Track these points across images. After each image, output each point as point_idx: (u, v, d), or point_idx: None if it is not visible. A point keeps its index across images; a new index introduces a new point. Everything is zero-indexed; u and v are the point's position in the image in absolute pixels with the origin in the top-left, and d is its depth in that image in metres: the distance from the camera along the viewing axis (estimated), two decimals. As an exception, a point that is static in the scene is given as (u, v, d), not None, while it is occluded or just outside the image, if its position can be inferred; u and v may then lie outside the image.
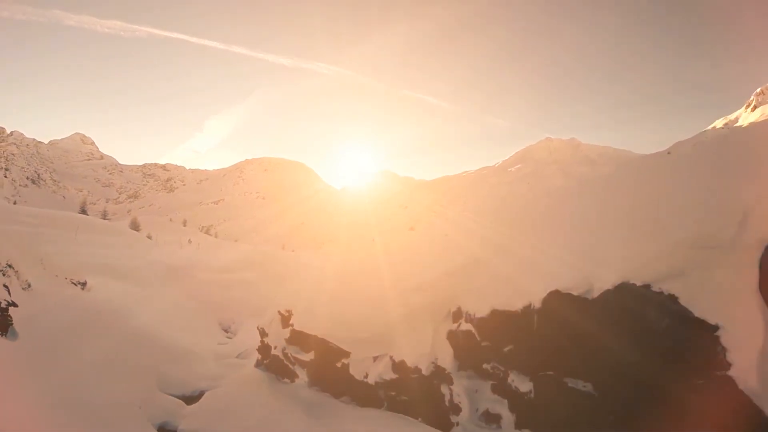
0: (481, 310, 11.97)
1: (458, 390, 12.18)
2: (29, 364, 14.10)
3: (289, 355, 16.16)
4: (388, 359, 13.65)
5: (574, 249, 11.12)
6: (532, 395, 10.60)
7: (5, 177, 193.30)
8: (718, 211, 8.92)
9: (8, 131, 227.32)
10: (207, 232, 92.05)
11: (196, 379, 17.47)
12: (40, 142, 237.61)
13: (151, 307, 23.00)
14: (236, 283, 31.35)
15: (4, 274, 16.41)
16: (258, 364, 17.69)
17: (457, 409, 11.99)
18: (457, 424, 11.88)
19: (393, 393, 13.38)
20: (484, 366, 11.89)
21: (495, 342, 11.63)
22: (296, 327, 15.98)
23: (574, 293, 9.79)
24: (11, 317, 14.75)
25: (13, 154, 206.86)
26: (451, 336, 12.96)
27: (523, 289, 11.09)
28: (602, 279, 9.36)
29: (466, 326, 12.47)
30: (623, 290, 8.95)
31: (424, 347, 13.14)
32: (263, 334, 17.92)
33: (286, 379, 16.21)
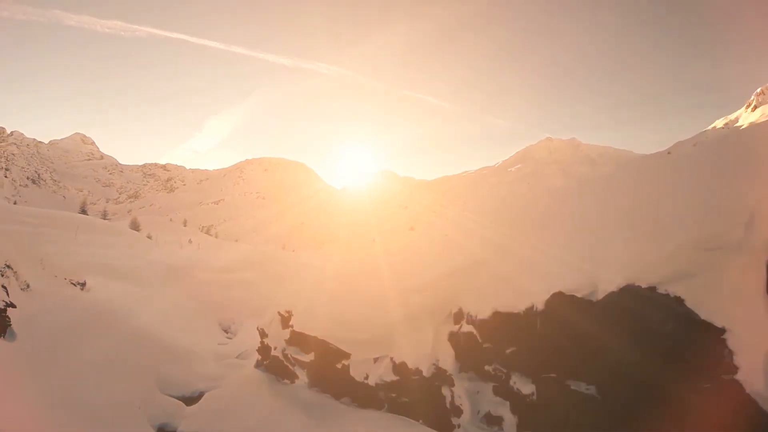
0: (483, 312, 11.89)
1: (459, 392, 12.10)
2: (28, 365, 14.02)
3: (289, 356, 16.09)
4: (388, 361, 13.58)
5: (576, 250, 11.03)
6: (535, 397, 10.52)
7: (5, 177, 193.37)
8: (723, 212, 8.78)
9: (8, 131, 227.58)
10: (207, 232, 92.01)
11: (196, 379, 17.40)
12: (40, 142, 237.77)
13: (151, 308, 22.94)
14: (236, 283, 31.30)
15: (2, 275, 16.33)
16: (258, 365, 17.63)
17: (458, 411, 11.91)
18: (459, 426, 11.80)
19: (393, 394, 13.30)
20: (486, 368, 11.81)
21: (497, 344, 11.55)
22: (296, 328, 15.91)
23: (578, 295, 9.69)
24: (10, 318, 14.67)
25: (13, 154, 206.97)
26: (453, 337, 12.88)
27: (525, 290, 11.00)
28: (606, 281, 9.26)
29: (467, 328, 12.39)
30: (628, 292, 8.83)
31: (425, 348, 13.06)
32: (263, 334, 17.85)
33: (286, 380, 16.14)
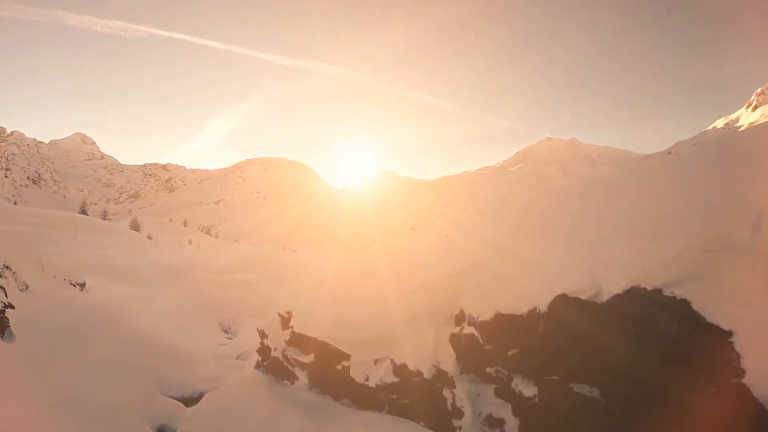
0: (485, 314, 11.79)
1: (461, 394, 12.01)
2: (27, 366, 13.94)
3: (289, 356, 16.00)
4: (389, 362, 13.49)
5: (578, 251, 10.93)
6: (537, 399, 10.42)
7: (6, 177, 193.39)
8: (729, 213, 8.66)
9: (9, 131, 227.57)
10: (207, 232, 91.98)
11: (195, 380, 17.32)
12: (40, 142, 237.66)
13: (151, 308, 22.86)
14: (236, 284, 31.25)
15: (1, 276, 16.25)
16: (258, 366, 17.55)
17: (459, 413, 11.81)
18: (460, 428, 11.70)
19: (394, 396, 13.22)
20: (487, 370, 11.71)
21: (499, 346, 11.45)
22: (296, 329, 15.83)
23: (582, 297, 9.59)
24: (8, 319, 14.59)
25: (13, 154, 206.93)
26: (454, 339, 12.79)
27: (528, 291, 10.90)
28: (611, 282, 9.13)
29: (468, 329, 12.29)
30: (633, 294, 8.70)
31: (426, 350, 12.96)
32: (263, 335, 17.78)
33: (286, 381, 16.05)
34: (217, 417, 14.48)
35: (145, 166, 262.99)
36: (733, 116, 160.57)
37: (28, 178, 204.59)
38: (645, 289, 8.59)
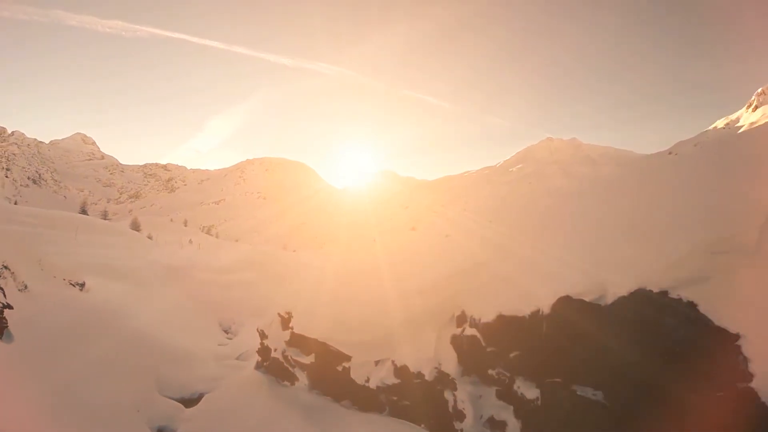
0: (487, 315, 11.68)
1: (462, 396, 11.91)
2: (26, 367, 13.86)
3: (289, 357, 15.93)
4: (390, 363, 13.41)
5: (582, 252, 10.81)
6: (539, 402, 10.31)
7: (6, 177, 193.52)
8: (736, 215, 8.53)
9: (9, 131, 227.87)
10: (208, 232, 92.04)
11: (195, 381, 17.25)
12: (41, 142, 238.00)
13: (151, 308, 22.80)
14: (236, 284, 31.20)
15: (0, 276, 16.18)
16: (258, 366, 17.48)
17: (461, 416, 11.72)
18: (461, 430, 11.61)
19: (395, 398, 13.13)
20: (489, 371, 11.60)
21: (501, 347, 11.34)
22: (296, 330, 15.76)
23: (586, 299, 9.46)
24: (7, 320, 14.50)
25: (14, 154, 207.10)
26: (455, 340, 12.68)
27: (531, 293, 10.78)
28: (616, 284, 9.01)
29: (470, 331, 12.18)
30: (639, 297, 8.58)
31: (427, 352, 12.88)
32: (263, 336, 17.72)
33: (286, 382, 15.98)
34: (217, 418, 14.42)
35: (145, 166, 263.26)
36: (733, 116, 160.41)
37: (28, 178, 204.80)
38: (651, 291, 8.46)
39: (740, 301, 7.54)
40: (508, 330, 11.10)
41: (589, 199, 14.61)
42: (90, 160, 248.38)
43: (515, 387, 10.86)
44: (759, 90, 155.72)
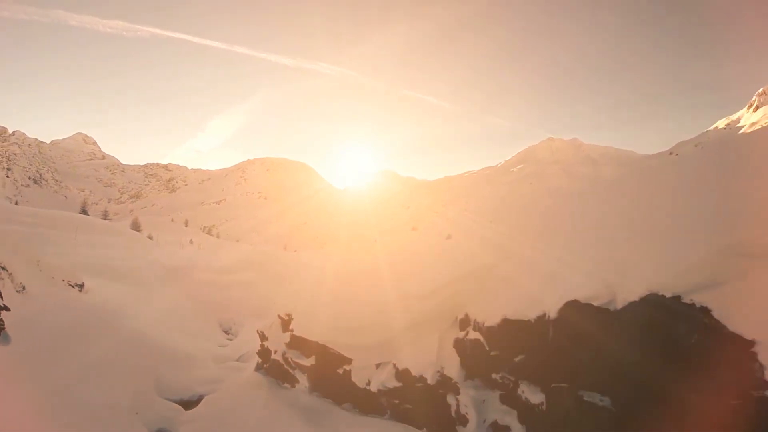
0: (491, 319, 11.47)
1: (465, 400, 11.71)
2: (23, 369, 13.69)
3: (290, 359, 15.75)
4: (391, 367, 13.21)
5: (584, 254, 10.59)
6: (544, 407, 10.11)
7: (7, 177, 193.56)
8: (744, 215, 8.30)
9: (10, 131, 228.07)
10: (209, 232, 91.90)
11: (195, 383, 17.07)
12: (42, 142, 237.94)
13: (150, 309, 22.64)
14: (237, 284, 31.05)
15: (-3, 277, 16.02)
16: (258, 368, 17.30)
17: (463, 420, 11.52)
18: (464, 435, 11.42)
19: (396, 401, 12.94)
20: (493, 376, 11.41)
21: (505, 351, 11.14)
22: (296, 332, 15.57)
23: (595, 304, 9.23)
24: (3, 321, 14.33)
25: (15, 154, 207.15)
26: (458, 344, 12.48)
27: (536, 297, 10.55)
28: (627, 289, 8.75)
29: (474, 334, 11.99)
30: (650, 302, 8.31)
31: (430, 355, 12.67)
32: (263, 337, 17.54)
33: (286, 384, 15.80)
34: (217, 420, 14.22)
35: (146, 166, 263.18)
36: (734, 116, 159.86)
37: (29, 178, 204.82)
38: (663, 296, 8.17)
39: (755, 307, 7.26)
40: (513, 334, 10.90)
41: (589, 199, 14.41)
42: (91, 160, 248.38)
43: (519, 391, 10.66)
44: (760, 90, 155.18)
